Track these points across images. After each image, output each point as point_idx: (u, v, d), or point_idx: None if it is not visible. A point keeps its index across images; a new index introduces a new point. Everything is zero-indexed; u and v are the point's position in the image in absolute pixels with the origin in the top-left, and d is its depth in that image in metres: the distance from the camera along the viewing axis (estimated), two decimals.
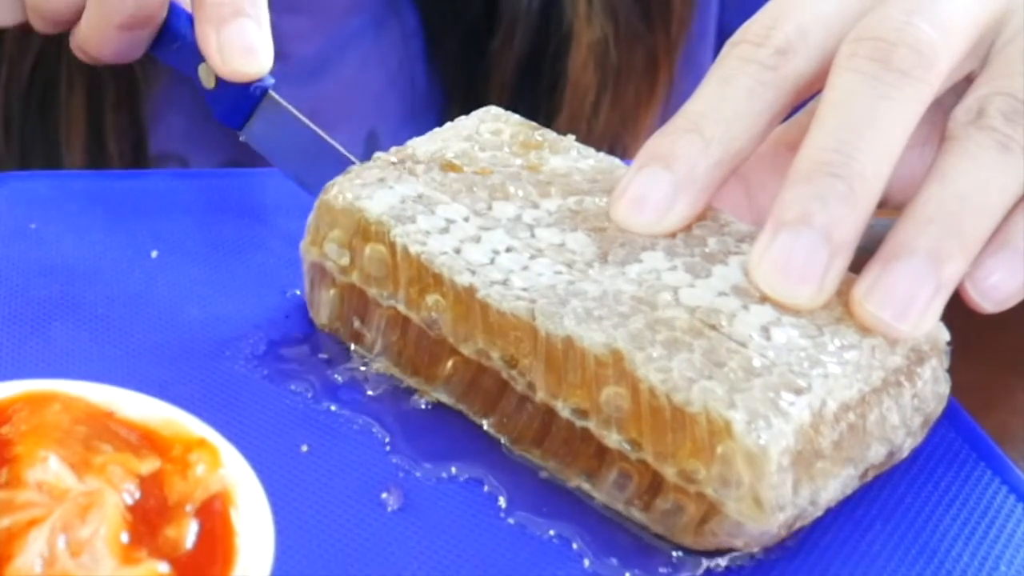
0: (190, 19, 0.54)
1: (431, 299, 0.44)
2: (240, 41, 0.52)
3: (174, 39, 0.54)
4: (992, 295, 0.43)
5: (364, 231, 0.45)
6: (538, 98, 0.72)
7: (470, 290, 0.43)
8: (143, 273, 0.51)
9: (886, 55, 0.42)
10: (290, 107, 0.53)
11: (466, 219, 0.45)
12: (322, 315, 0.48)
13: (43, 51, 0.67)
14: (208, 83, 0.53)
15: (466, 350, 0.44)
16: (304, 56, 0.74)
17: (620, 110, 0.74)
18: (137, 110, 0.70)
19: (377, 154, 0.48)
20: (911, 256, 0.41)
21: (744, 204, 0.45)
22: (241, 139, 0.53)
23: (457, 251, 0.44)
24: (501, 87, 0.72)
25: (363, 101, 0.73)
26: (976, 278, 0.42)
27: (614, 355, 0.40)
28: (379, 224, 0.45)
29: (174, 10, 0.55)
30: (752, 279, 0.42)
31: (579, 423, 0.41)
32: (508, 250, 0.44)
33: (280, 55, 0.74)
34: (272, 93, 0.53)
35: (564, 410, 0.42)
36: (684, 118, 0.44)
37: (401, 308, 0.45)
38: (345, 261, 0.46)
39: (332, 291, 0.47)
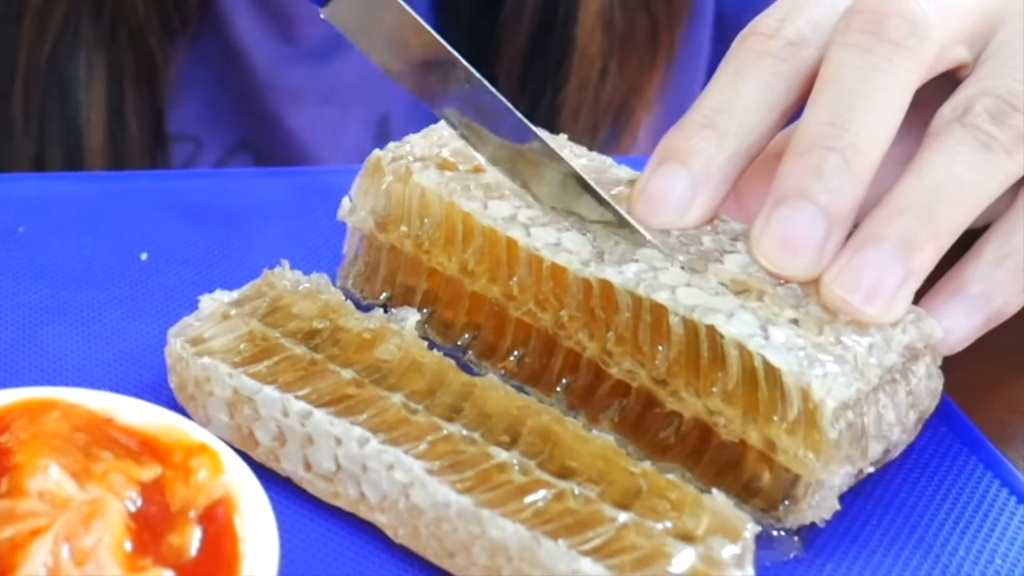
0: None
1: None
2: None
3: None
4: (945, 340, 0.43)
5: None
6: (547, 68, 0.72)
7: None
8: (133, 276, 0.51)
9: (879, 26, 0.42)
10: None
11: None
12: None
13: (61, 34, 0.66)
14: None
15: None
16: (314, 38, 0.74)
17: (626, 77, 0.74)
18: (156, 90, 0.69)
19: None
20: (881, 243, 0.41)
21: (735, 212, 0.46)
22: (322, 17, 0.46)
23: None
24: (512, 59, 0.73)
25: (375, 84, 0.73)
26: None
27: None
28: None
29: None
30: (752, 254, 0.42)
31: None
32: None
33: (290, 38, 0.74)
34: None
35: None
36: (699, 112, 0.44)
37: None
38: None
39: None
